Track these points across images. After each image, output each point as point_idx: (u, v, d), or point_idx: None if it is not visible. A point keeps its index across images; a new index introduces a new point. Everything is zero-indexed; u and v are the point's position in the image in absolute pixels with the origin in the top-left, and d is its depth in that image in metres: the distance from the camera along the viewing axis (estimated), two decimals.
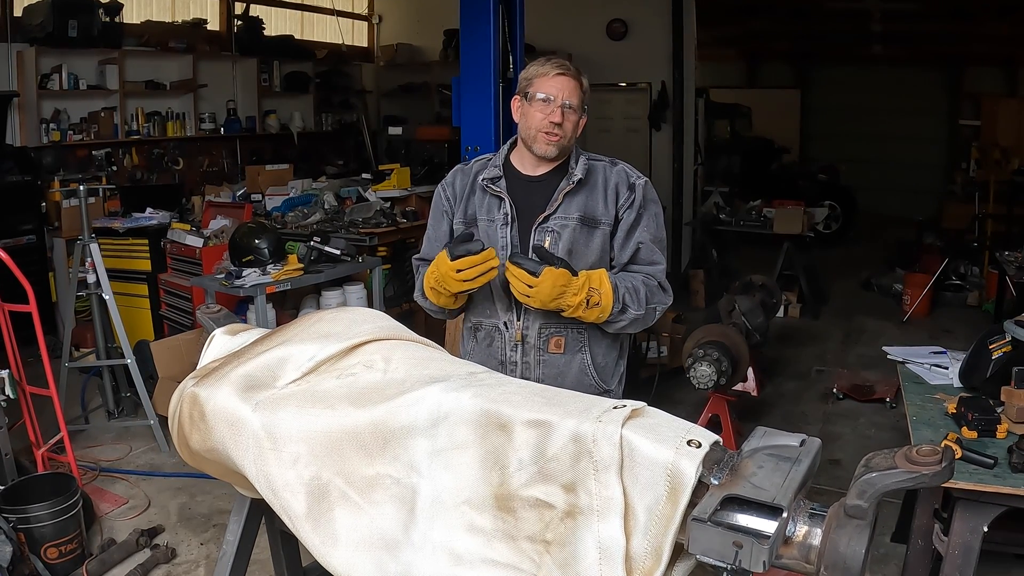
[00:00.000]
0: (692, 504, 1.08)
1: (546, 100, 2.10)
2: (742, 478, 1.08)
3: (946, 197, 10.03)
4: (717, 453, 1.12)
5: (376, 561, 1.27)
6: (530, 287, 1.96)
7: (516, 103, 2.20)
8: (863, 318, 7.07)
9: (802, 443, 1.16)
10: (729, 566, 1.03)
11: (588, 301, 2.00)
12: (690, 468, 1.08)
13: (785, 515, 1.04)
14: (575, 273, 2.00)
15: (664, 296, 2.16)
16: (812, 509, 1.08)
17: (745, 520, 1.05)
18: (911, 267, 7.68)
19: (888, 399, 4.96)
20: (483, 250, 2.00)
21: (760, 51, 13.20)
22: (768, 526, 1.03)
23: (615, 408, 1.17)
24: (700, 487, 1.09)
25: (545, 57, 2.20)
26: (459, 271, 2.00)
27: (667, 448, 1.10)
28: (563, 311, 2.02)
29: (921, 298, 6.88)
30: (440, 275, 2.04)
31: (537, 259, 2.00)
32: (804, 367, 5.81)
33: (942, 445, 1.03)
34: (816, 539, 1.06)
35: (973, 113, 10.48)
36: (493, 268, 2.02)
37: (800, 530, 1.07)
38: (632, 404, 1.18)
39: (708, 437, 1.13)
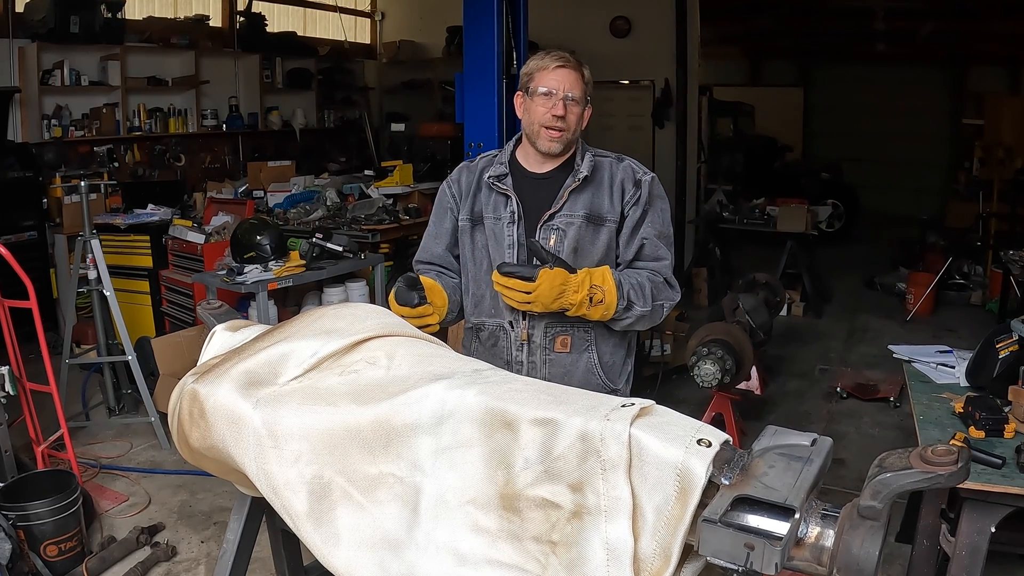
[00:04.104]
0: (702, 504, 1.06)
1: (548, 94, 2.08)
2: (753, 478, 1.06)
3: (949, 196, 10.00)
4: (727, 452, 1.10)
5: (378, 561, 1.25)
6: (528, 292, 1.94)
7: (519, 99, 2.18)
8: (866, 317, 7.06)
9: (813, 442, 1.14)
10: (740, 568, 1.01)
11: (591, 299, 1.98)
12: (700, 468, 1.06)
13: (797, 516, 1.02)
14: (573, 270, 1.98)
15: (671, 292, 2.13)
16: (824, 510, 1.06)
17: (756, 521, 1.02)
18: (914, 266, 7.66)
19: (891, 398, 4.94)
20: (418, 304, 2.01)
21: (763, 49, 13.17)
22: (780, 527, 1.01)
23: (623, 406, 1.15)
24: (710, 487, 1.07)
25: (545, 51, 2.17)
26: (406, 316, 2.01)
27: (677, 447, 1.08)
28: (566, 311, 2.00)
29: (924, 297, 6.86)
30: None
31: (530, 263, 1.98)
32: (807, 366, 5.80)
33: (951, 444, 1.01)
34: (829, 540, 1.04)
35: (976, 112, 10.43)
36: (431, 325, 2.05)
37: (812, 531, 1.05)
38: (640, 402, 1.16)
39: (718, 436, 1.10)
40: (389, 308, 2.14)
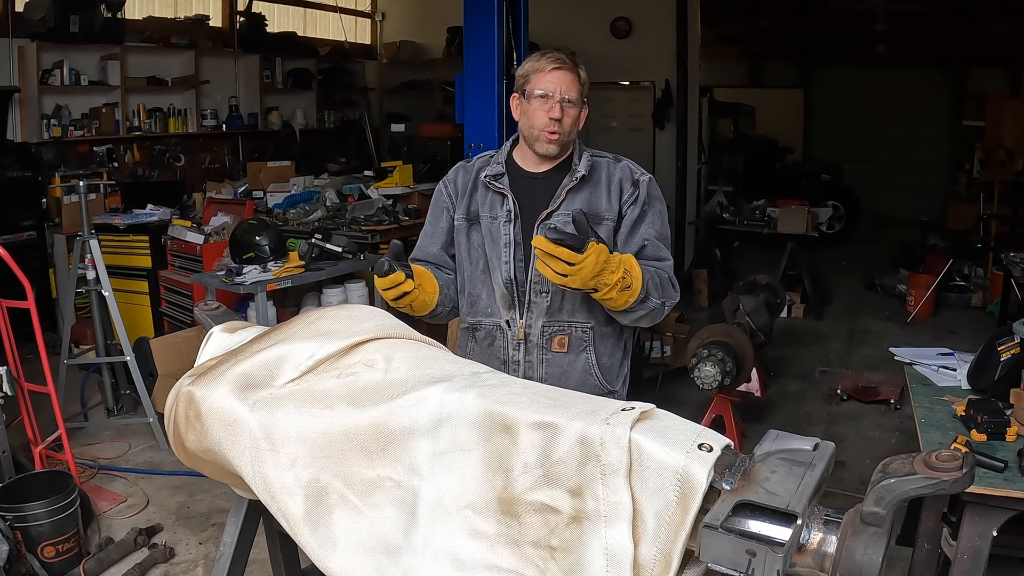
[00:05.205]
0: (703, 510, 1.04)
1: (544, 96, 2.06)
2: (755, 483, 1.05)
3: (950, 198, 9.99)
4: (728, 457, 1.08)
5: (376, 565, 1.24)
6: (570, 264, 1.79)
7: (515, 101, 2.17)
8: (867, 319, 7.05)
9: (815, 447, 1.12)
10: (742, 574, 1.00)
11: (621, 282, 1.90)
12: (701, 473, 1.05)
13: (799, 522, 1.00)
14: (611, 250, 1.91)
15: (673, 292, 2.11)
16: (827, 515, 1.05)
17: (758, 527, 1.01)
18: (915, 268, 7.65)
19: (892, 400, 4.93)
20: (388, 273, 1.94)
21: (764, 50, 13.16)
22: (782, 533, 1.00)
23: (623, 410, 1.14)
24: (711, 492, 1.06)
25: (540, 52, 2.15)
26: (384, 289, 1.99)
27: (677, 452, 1.06)
28: (595, 291, 1.89)
29: (925, 299, 6.85)
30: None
31: (574, 232, 1.81)
32: (808, 368, 5.78)
33: (953, 448, 0.99)
34: (831, 546, 1.03)
35: (977, 113, 10.42)
36: (407, 293, 1.99)
37: (815, 537, 1.04)
38: (641, 406, 1.15)
39: (719, 441, 1.09)
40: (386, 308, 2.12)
